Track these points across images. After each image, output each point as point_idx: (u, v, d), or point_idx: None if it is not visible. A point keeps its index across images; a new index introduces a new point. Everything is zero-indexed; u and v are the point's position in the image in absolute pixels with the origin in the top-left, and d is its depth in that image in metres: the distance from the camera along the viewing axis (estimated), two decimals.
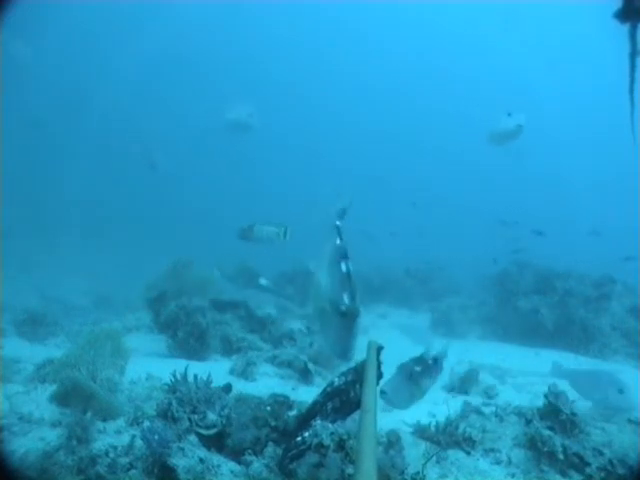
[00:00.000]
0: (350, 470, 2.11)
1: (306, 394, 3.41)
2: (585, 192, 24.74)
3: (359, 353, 2.24)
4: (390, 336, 7.22)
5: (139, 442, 2.48)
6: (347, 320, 2.19)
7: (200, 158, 26.17)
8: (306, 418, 2.51)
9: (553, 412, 3.02)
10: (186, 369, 2.93)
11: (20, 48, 6.62)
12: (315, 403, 2.58)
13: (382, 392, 2.41)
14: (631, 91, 1.61)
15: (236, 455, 2.53)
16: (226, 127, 6.45)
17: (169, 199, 22.19)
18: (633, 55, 1.58)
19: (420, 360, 2.75)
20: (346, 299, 2.33)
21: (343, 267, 2.36)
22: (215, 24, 29.32)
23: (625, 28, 1.59)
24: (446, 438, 3.03)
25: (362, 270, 8.72)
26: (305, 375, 4.61)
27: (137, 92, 27.86)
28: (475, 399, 4.17)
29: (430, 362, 2.76)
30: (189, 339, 5.10)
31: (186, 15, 27.86)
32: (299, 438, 2.34)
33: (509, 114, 4.92)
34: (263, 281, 5.85)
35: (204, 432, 2.64)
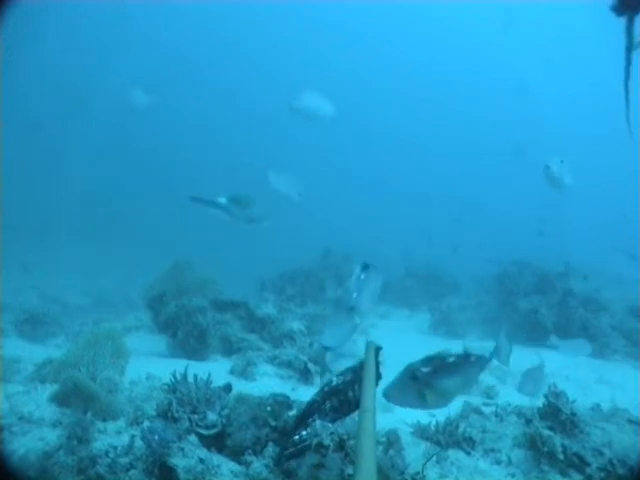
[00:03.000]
0: (350, 470, 2.11)
1: (306, 394, 3.41)
2: (585, 190, 24.71)
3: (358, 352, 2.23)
4: (390, 336, 7.22)
5: (139, 442, 2.47)
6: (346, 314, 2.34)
7: (198, 157, 26.17)
8: (303, 417, 2.51)
9: (553, 412, 3.02)
10: (186, 369, 2.93)
11: (140, 97, 6.84)
12: (312, 402, 2.57)
13: (384, 394, 2.37)
14: (626, 85, 1.60)
15: (236, 455, 2.53)
16: (294, 113, 6.50)
17: (170, 199, 22.18)
18: (629, 49, 1.57)
19: (430, 360, 2.52)
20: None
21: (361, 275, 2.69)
22: (218, 24, 29.30)
23: (622, 22, 1.58)
24: (446, 438, 3.03)
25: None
26: (305, 375, 4.61)
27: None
28: (475, 399, 4.17)
29: (452, 360, 2.52)
30: (189, 339, 5.10)
31: (187, 16, 27.85)
32: (296, 437, 2.34)
33: (562, 161, 5.20)
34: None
35: (204, 432, 2.63)
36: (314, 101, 6.27)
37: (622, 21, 1.59)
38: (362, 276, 2.84)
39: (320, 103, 6.31)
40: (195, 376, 2.88)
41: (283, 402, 2.81)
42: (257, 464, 2.42)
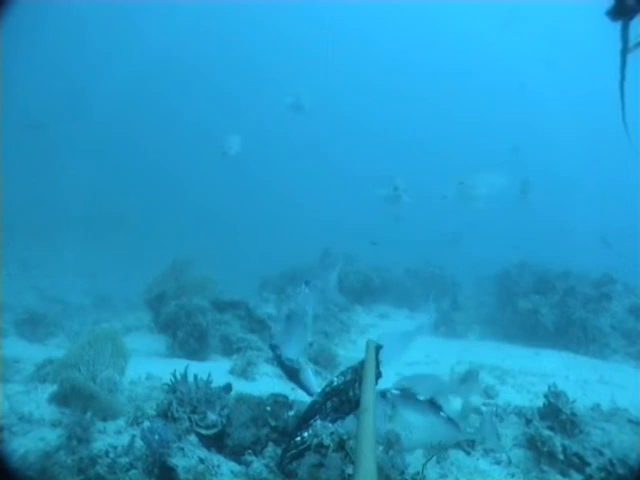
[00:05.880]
0: (350, 470, 2.11)
1: (306, 394, 3.41)
2: (585, 190, 24.70)
3: (359, 352, 2.23)
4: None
5: (139, 442, 2.47)
6: None
7: (197, 158, 26.15)
8: (305, 418, 2.51)
9: (553, 412, 3.02)
10: (186, 369, 2.93)
11: (234, 141, 6.84)
12: (314, 403, 2.57)
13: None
14: (621, 87, 1.62)
15: (236, 455, 2.53)
16: (287, 108, 7.14)
17: (169, 199, 22.19)
18: (624, 52, 1.59)
19: (404, 388, 2.46)
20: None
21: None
22: (216, 24, 29.29)
23: (617, 26, 1.60)
24: None
25: (362, 271, 8.73)
26: None
27: (137, 92, 27.85)
28: (475, 399, 4.16)
29: (421, 399, 2.39)
30: (189, 339, 5.10)
31: (186, 16, 27.84)
32: (298, 438, 2.34)
33: (461, 183, 5.74)
34: None
35: (204, 432, 2.63)
36: (303, 97, 6.64)
37: (618, 26, 1.61)
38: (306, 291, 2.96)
39: (307, 98, 6.70)
40: (195, 376, 2.88)
41: (283, 402, 2.81)
42: (257, 464, 2.42)
